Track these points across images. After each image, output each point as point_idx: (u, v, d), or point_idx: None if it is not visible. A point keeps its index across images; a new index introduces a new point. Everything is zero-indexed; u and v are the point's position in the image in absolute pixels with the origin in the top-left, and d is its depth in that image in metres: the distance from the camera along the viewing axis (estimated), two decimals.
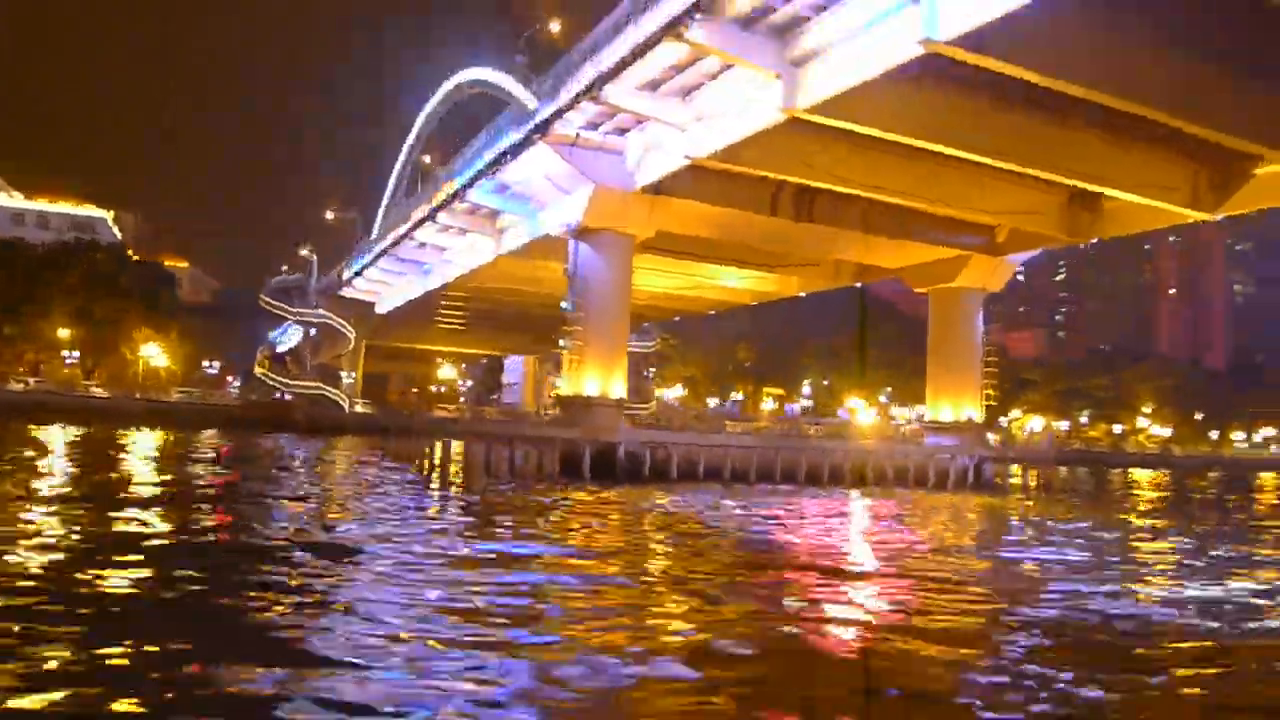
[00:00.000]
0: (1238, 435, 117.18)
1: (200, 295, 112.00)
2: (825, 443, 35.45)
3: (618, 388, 33.04)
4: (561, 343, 33.19)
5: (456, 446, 35.25)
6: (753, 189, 32.20)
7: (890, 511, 24.59)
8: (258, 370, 72.70)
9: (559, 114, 29.14)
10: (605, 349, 32.62)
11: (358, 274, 61.74)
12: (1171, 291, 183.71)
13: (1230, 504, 37.45)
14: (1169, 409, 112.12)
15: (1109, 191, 31.70)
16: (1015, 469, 40.19)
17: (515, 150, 31.86)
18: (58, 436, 39.65)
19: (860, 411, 66.82)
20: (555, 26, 45.39)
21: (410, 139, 63.02)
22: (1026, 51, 19.46)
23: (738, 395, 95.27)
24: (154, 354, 74.11)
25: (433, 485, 26.72)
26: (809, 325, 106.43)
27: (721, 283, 51.08)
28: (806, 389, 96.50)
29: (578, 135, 30.30)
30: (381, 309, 69.07)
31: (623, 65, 25.00)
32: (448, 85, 54.53)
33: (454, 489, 25.93)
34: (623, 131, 30.90)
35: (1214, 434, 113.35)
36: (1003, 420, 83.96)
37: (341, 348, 72.76)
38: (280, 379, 69.72)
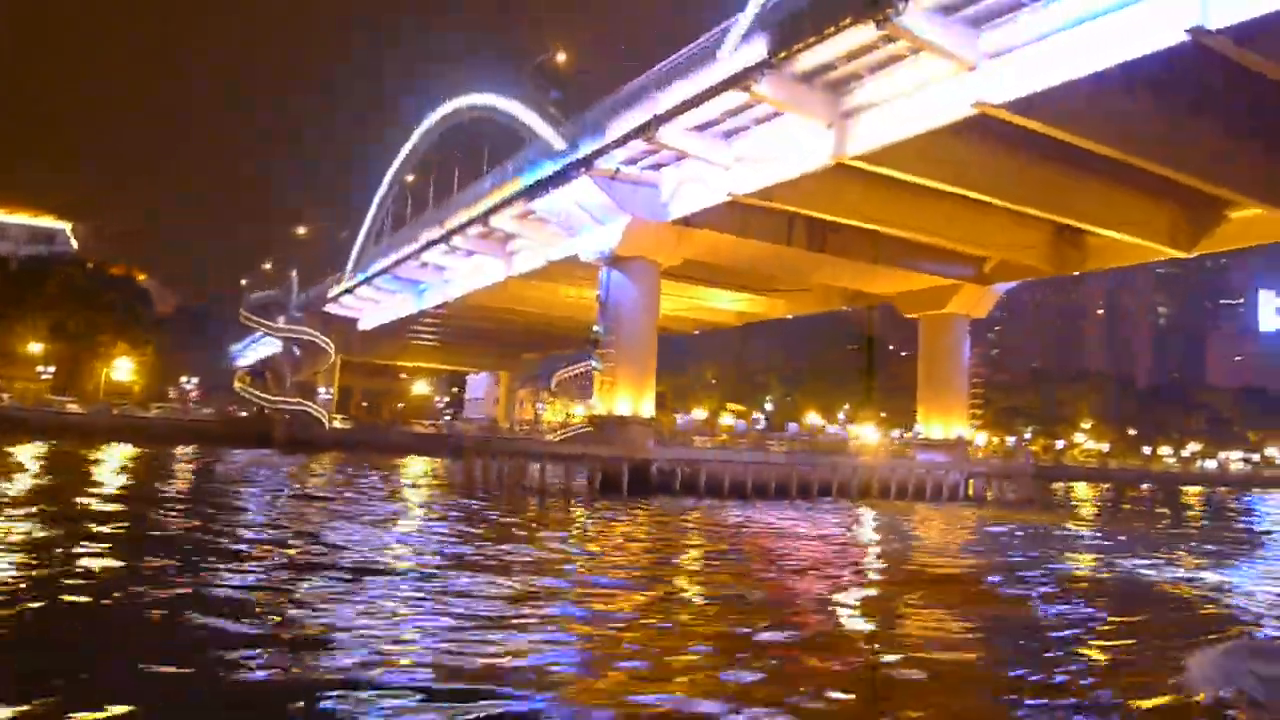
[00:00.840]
0: (1165, 450, 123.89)
1: (159, 308, 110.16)
2: (836, 459, 37.74)
3: (647, 407, 34.88)
4: (593, 364, 34.91)
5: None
6: (771, 221, 34.47)
7: (914, 524, 26.87)
8: (238, 385, 72.27)
9: (604, 150, 31.01)
10: (636, 370, 34.46)
11: (348, 291, 62.29)
12: (1099, 312, 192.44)
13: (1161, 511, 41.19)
14: (1104, 425, 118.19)
15: (1096, 229, 34.75)
16: (998, 484, 43.06)
17: (555, 181, 33.54)
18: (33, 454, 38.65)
19: (860, 430, 69.38)
20: (561, 56, 47.44)
21: (399, 160, 63.95)
22: (1064, 115, 22.05)
23: (701, 412, 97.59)
24: (126, 369, 73.23)
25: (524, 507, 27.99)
26: (764, 346, 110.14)
27: (712, 304, 53.29)
28: (769, 405, 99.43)
29: (618, 170, 32.16)
30: (365, 325, 69.63)
31: (682, 109, 27.01)
32: (445, 108, 55.88)
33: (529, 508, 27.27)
34: (658, 167, 32.83)
35: (1146, 449, 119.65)
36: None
37: (321, 363, 72.94)
38: (262, 394, 69.54)
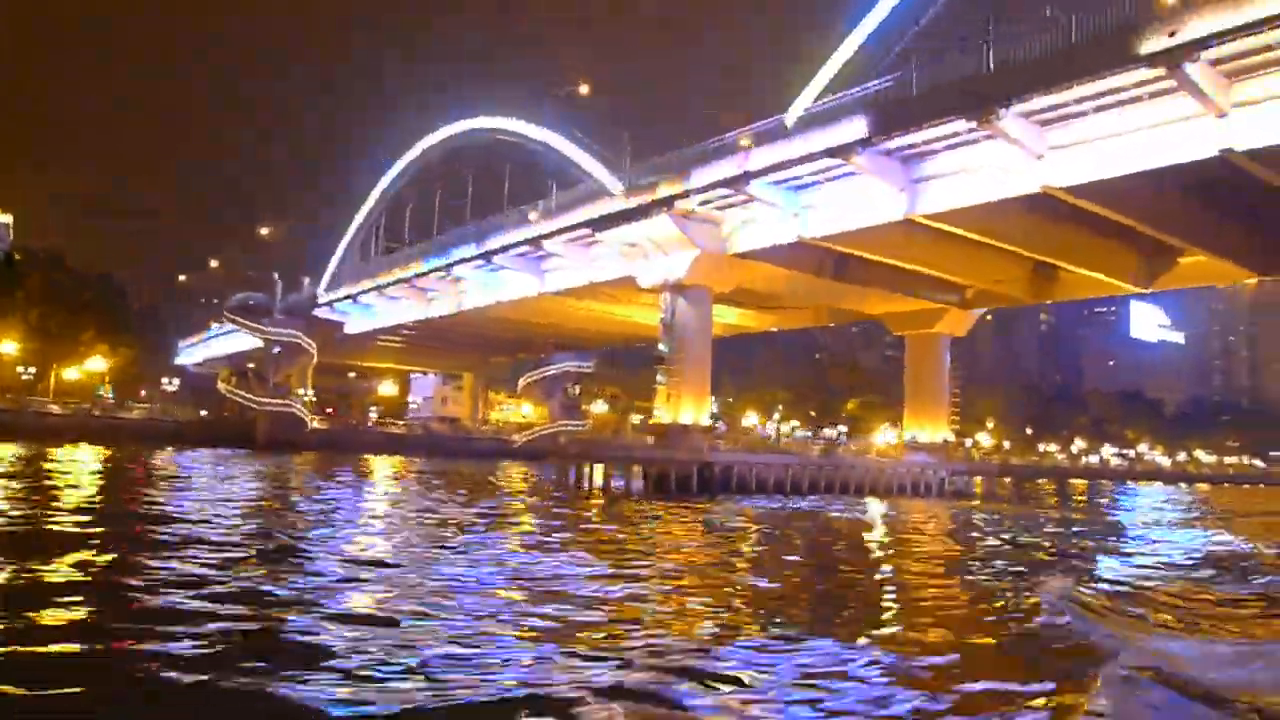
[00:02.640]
0: (1053, 447, 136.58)
1: None
2: (852, 462, 43.62)
3: (705, 416, 39.80)
4: (659, 379, 39.51)
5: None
6: (809, 255, 39.81)
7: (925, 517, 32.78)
8: (222, 386, 73.25)
9: (687, 193, 35.73)
10: (696, 384, 39.33)
11: (350, 297, 64.59)
12: (989, 318, 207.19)
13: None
14: (1004, 425, 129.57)
15: (1071, 267, 41.49)
16: (976, 480, 49.99)
17: (631, 215, 37.99)
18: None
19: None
20: (584, 89, 51.73)
21: (392, 174, 66.61)
22: (1108, 197, 28.15)
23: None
24: (99, 368, 73.13)
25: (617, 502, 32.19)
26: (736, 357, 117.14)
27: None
28: (714, 407, 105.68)
29: (693, 210, 36.94)
30: (353, 329, 71.79)
31: (774, 169, 32.07)
32: (453, 128, 59.25)
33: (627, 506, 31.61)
34: (722, 208, 37.68)
35: (1041, 446, 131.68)
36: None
37: (302, 364, 74.52)
38: (248, 395, 70.87)
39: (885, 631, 10.07)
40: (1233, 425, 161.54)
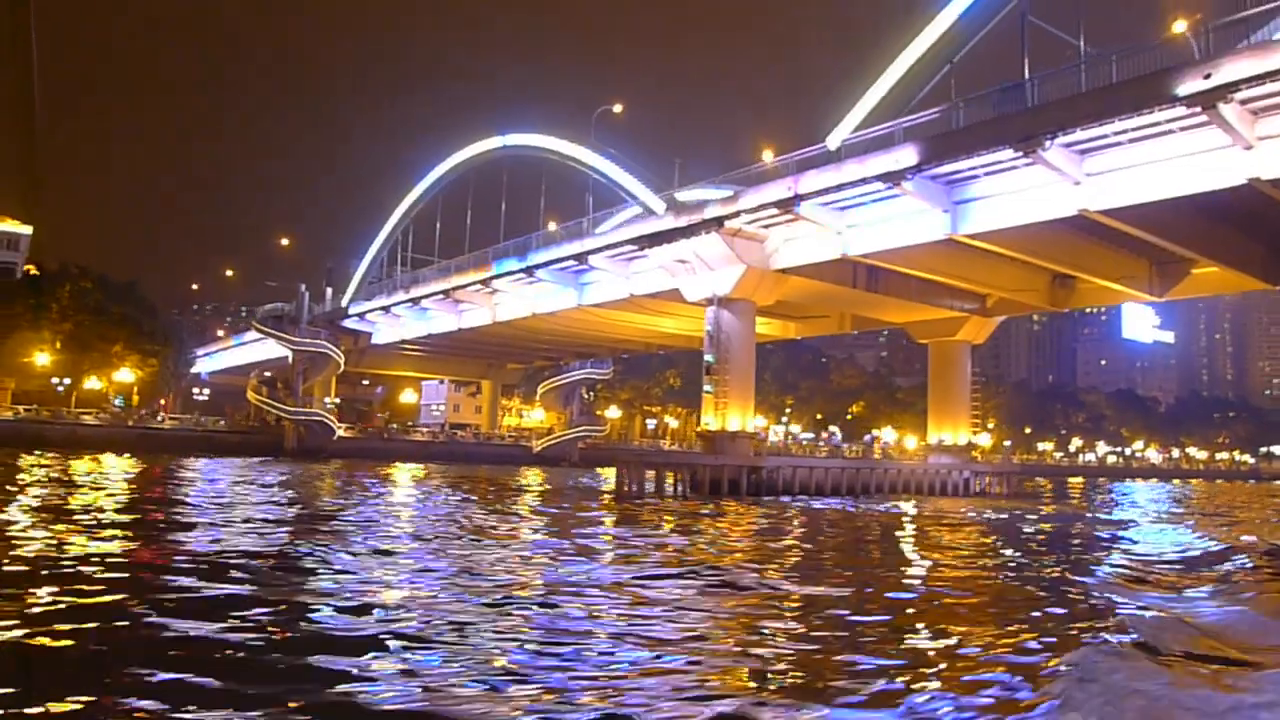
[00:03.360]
0: (1048, 446, 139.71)
1: None
2: (884, 464, 45.95)
3: (751, 423, 42.01)
4: (706, 388, 41.67)
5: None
6: (844, 269, 42.14)
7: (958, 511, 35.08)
8: (251, 395, 74.97)
9: (737, 214, 37.96)
10: (742, 393, 41.53)
11: (384, 309, 66.46)
12: None
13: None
14: (1004, 425, 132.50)
15: (1089, 278, 43.90)
16: (990, 479, 52.35)
17: (683, 233, 40.17)
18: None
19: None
20: (618, 108, 53.92)
21: (421, 189, 68.41)
22: (1137, 216, 30.53)
23: (671, 420, 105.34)
24: (128, 379, 74.66)
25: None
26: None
27: None
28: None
29: (741, 229, 39.17)
30: (380, 339, 73.72)
31: (824, 191, 34.34)
32: (486, 144, 61.10)
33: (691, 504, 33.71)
34: (767, 226, 39.89)
35: (1040, 445, 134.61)
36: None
37: (329, 373, 76.32)
38: (278, 404, 72.63)
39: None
40: (1223, 422, 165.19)
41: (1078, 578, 15.23)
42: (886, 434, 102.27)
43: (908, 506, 35.44)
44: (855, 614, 11.06)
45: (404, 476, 47.26)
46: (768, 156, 40.34)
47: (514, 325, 59.26)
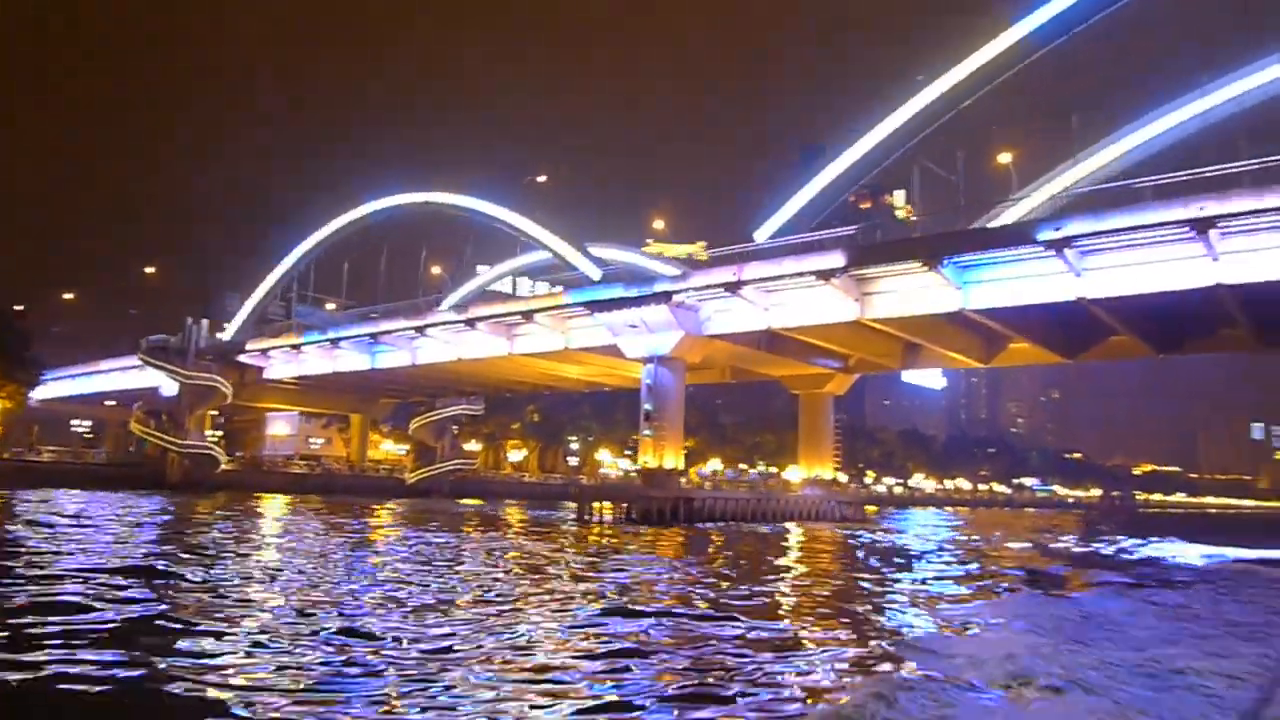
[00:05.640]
0: (844, 477, 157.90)
1: None
2: (778, 496, 55.53)
3: (680, 462, 50.16)
4: (645, 432, 49.38)
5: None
6: (755, 335, 51.44)
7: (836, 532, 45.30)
8: (135, 427, 74.34)
9: (688, 290, 46.31)
10: (674, 437, 49.67)
11: (294, 347, 69.08)
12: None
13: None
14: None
15: (933, 347, 55.60)
16: (849, 508, 63.34)
17: (633, 302, 47.84)
18: None
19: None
20: (542, 178, 61.27)
21: (323, 235, 71.91)
22: (995, 313, 41.56)
23: (523, 452, 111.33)
24: None
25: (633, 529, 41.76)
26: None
27: (628, 374, 68.74)
28: (574, 445, 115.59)
29: (684, 300, 47.49)
30: (272, 375, 75.64)
31: (765, 280, 43.35)
32: (396, 199, 66.19)
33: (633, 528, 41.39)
34: (701, 300, 48.43)
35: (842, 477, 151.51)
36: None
37: (213, 405, 77.06)
38: (164, 436, 72.74)
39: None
40: (983, 457, 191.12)
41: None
42: (792, 472, 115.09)
43: (794, 527, 45.22)
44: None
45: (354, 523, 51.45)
46: (659, 224, 49.22)
47: (433, 368, 64.32)
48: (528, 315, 53.72)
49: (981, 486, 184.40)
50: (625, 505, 46.33)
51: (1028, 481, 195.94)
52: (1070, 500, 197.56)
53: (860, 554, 32.86)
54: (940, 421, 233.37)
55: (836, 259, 41.16)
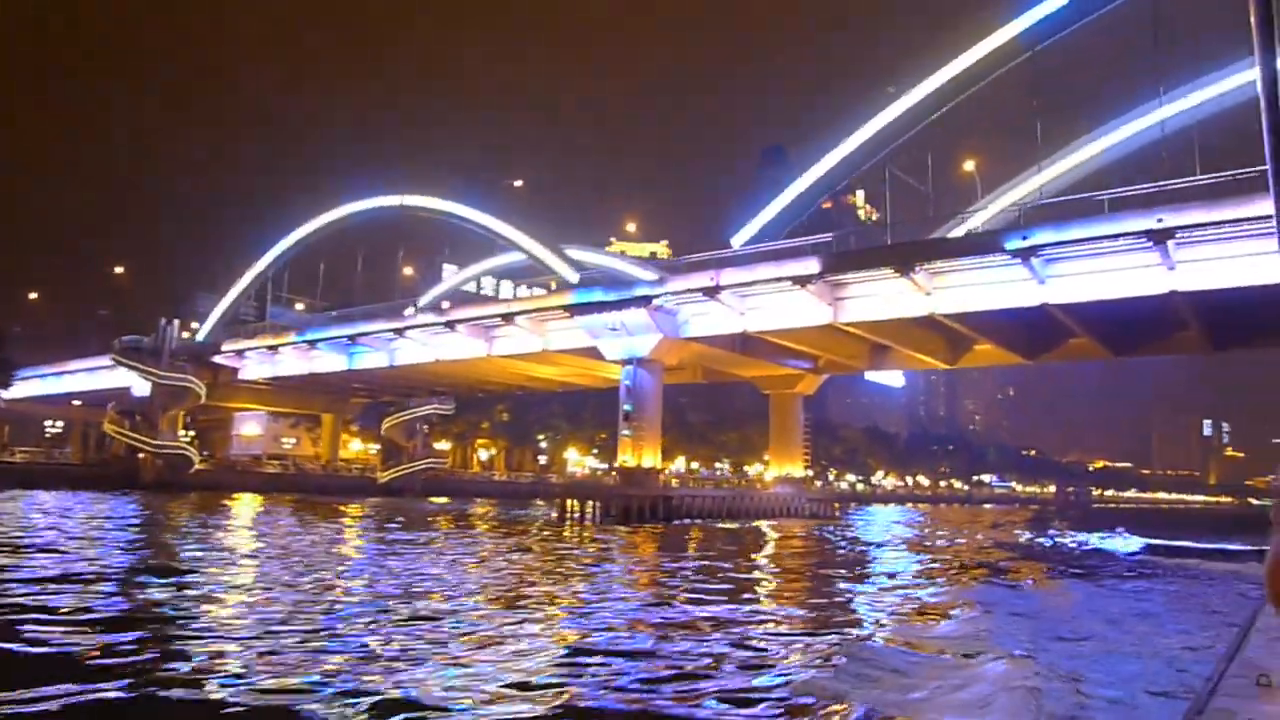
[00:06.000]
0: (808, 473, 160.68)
1: None
2: (750, 494, 56.93)
3: (657, 461, 51.35)
4: (624, 431, 50.48)
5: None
6: (730, 339, 52.81)
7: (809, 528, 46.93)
8: (109, 427, 73.87)
9: (666, 294, 47.49)
10: (652, 436, 50.85)
11: (271, 348, 69.17)
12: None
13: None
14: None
15: (900, 348, 57.38)
16: (818, 504, 65.01)
17: (614, 306, 48.91)
18: None
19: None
20: (518, 182, 62.13)
21: (299, 236, 72.08)
22: (962, 317, 43.28)
23: (491, 451, 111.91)
24: None
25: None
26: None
27: (603, 374, 69.82)
28: (543, 444, 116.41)
29: (662, 305, 48.68)
30: (247, 375, 75.59)
31: (742, 286, 44.68)
32: (375, 201, 66.59)
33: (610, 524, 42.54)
34: (679, 305, 49.67)
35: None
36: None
37: (187, 405, 76.82)
38: (139, 436, 72.42)
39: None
40: (942, 454, 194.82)
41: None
42: (763, 471, 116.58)
43: (765, 524, 46.76)
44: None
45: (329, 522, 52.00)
46: (631, 227, 50.45)
47: (411, 369, 64.88)
48: (508, 318, 54.57)
49: (941, 483, 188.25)
50: (604, 504, 47.43)
51: (986, 478, 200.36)
52: (1027, 496, 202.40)
53: (830, 548, 34.43)
54: (901, 419, 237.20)
55: (812, 265, 42.62)
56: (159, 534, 30.07)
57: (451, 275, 74.86)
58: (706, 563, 25.23)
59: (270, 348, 69.43)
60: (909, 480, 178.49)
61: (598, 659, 10.81)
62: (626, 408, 50.76)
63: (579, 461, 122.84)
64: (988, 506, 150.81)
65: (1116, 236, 35.84)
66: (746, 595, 18.28)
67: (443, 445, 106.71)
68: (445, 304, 62.97)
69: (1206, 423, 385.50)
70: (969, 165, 52.58)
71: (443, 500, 74.47)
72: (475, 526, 39.02)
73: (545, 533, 36.65)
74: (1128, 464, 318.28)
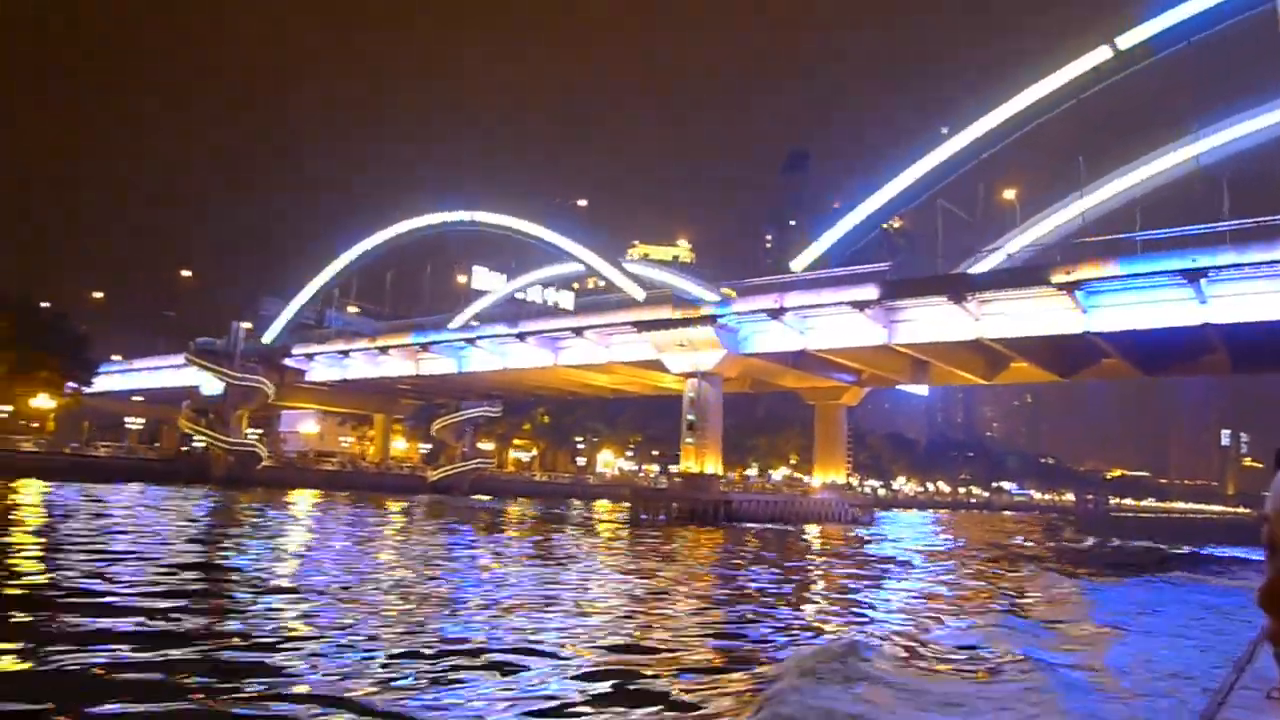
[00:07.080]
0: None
1: None
2: (801, 499, 60.92)
3: (718, 467, 55.40)
4: (688, 440, 54.53)
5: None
6: (786, 354, 56.76)
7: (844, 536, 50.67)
8: (184, 424, 78.47)
9: (731, 314, 51.53)
10: (714, 445, 54.91)
11: (342, 353, 73.61)
12: None
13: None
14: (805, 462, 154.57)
15: (941, 364, 61.16)
16: (858, 510, 68.80)
17: (681, 323, 52.99)
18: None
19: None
20: (583, 202, 66.33)
21: (364, 247, 76.47)
22: (1006, 340, 47.09)
23: (531, 451, 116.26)
24: (46, 405, 76.02)
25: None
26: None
27: (655, 382, 73.88)
28: (580, 445, 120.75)
29: (725, 324, 52.71)
30: (315, 378, 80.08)
31: (808, 308, 48.68)
32: (440, 216, 70.91)
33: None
34: (739, 322, 53.67)
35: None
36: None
37: (258, 405, 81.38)
38: (214, 434, 76.96)
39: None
40: (962, 460, 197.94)
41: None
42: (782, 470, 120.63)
43: (812, 529, 50.85)
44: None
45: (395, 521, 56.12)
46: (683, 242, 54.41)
47: (477, 376, 69.15)
48: (579, 331, 58.69)
49: (961, 489, 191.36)
50: (675, 506, 51.55)
51: (1005, 485, 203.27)
52: (1045, 504, 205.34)
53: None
54: (921, 426, 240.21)
55: (870, 291, 46.56)
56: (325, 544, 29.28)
57: (499, 284, 79.13)
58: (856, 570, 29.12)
59: (342, 352, 73.82)
60: (929, 486, 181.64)
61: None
62: (690, 418, 54.79)
63: (609, 463, 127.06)
64: (1007, 514, 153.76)
65: (1155, 274, 39.61)
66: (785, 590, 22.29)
67: (486, 445, 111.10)
68: (475, 317, 67.05)
69: (1225, 432, 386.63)
70: (1009, 194, 56.38)
71: (487, 498, 78.21)
72: (563, 531, 42.51)
73: (640, 533, 40.60)
74: (1144, 473, 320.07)
